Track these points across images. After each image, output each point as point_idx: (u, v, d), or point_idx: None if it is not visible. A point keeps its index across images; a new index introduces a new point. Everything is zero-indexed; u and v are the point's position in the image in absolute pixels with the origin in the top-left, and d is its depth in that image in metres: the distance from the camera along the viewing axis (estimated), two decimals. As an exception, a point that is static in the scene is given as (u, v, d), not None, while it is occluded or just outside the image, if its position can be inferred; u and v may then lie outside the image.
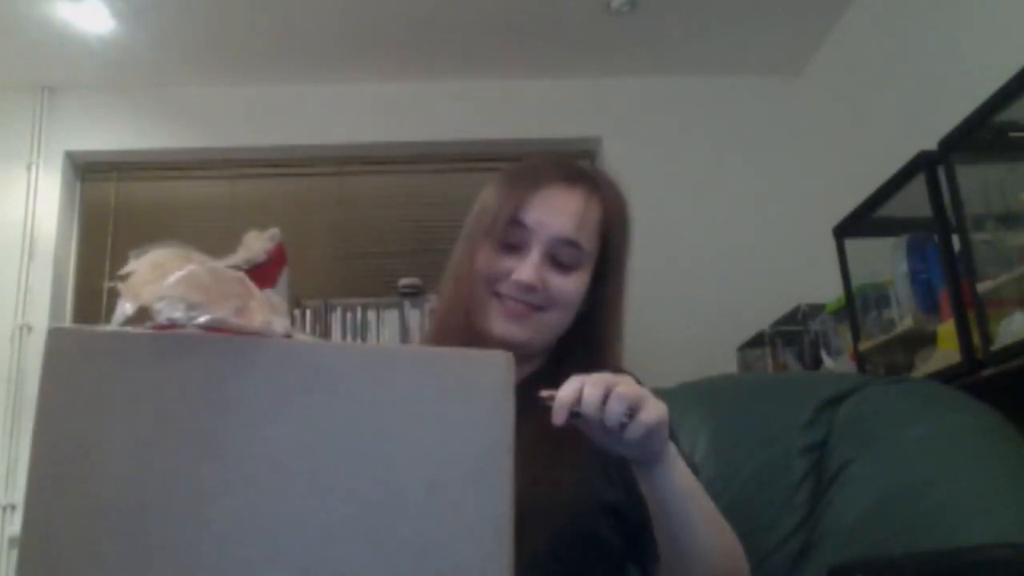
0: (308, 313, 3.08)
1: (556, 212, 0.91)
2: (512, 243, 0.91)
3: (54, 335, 0.56)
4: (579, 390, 0.68)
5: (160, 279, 0.55)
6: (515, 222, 0.90)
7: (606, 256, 0.97)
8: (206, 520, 0.53)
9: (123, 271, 0.57)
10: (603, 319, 0.97)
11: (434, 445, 0.56)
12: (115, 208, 3.38)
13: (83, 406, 0.55)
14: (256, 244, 0.61)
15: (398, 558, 0.54)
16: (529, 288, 0.89)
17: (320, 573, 0.53)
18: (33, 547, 0.54)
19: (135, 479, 0.53)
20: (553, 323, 0.93)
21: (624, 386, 0.69)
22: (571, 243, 0.92)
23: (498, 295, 0.90)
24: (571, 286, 0.92)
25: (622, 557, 0.91)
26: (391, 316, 3.15)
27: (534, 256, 0.90)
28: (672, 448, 0.76)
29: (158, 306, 0.54)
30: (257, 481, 0.54)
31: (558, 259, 0.91)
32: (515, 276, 0.89)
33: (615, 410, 0.68)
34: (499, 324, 0.90)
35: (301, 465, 0.54)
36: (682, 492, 0.76)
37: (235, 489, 0.54)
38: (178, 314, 0.53)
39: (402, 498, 0.55)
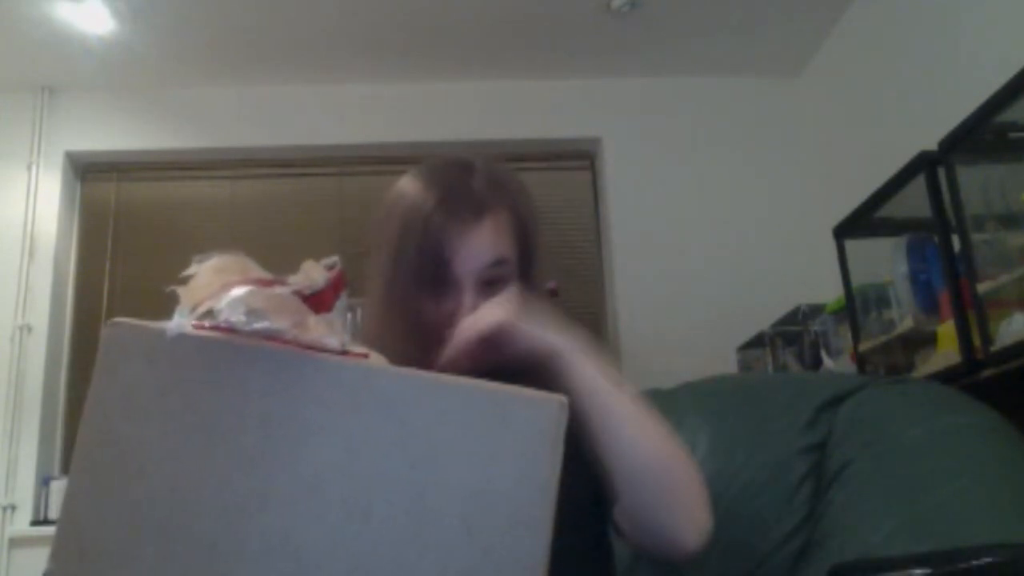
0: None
1: (477, 246, 0.92)
2: (443, 285, 0.92)
3: (113, 328, 0.56)
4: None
5: (221, 287, 0.55)
6: (442, 268, 0.91)
7: (526, 253, 0.97)
8: (240, 535, 0.53)
9: (184, 274, 0.57)
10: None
11: (477, 485, 0.54)
12: (115, 208, 3.39)
13: (131, 402, 0.55)
14: (315, 272, 0.61)
15: None
16: None
17: None
18: (66, 535, 0.53)
19: (174, 485, 0.53)
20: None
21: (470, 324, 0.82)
22: (498, 263, 0.92)
23: (445, 337, 0.89)
24: None
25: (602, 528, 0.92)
26: (391, 316, 3.15)
27: (469, 295, 0.90)
28: (575, 353, 0.81)
29: (219, 306, 0.54)
30: (293, 501, 0.53)
31: (491, 281, 0.92)
32: (459, 319, 0.88)
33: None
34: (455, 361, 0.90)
35: (339, 488, 0.54)
36: (591, 389, 0.78)
37: (270, 506, 0.53)
38: (238, 318, 0.53)
39: (437, 534, 0.53)
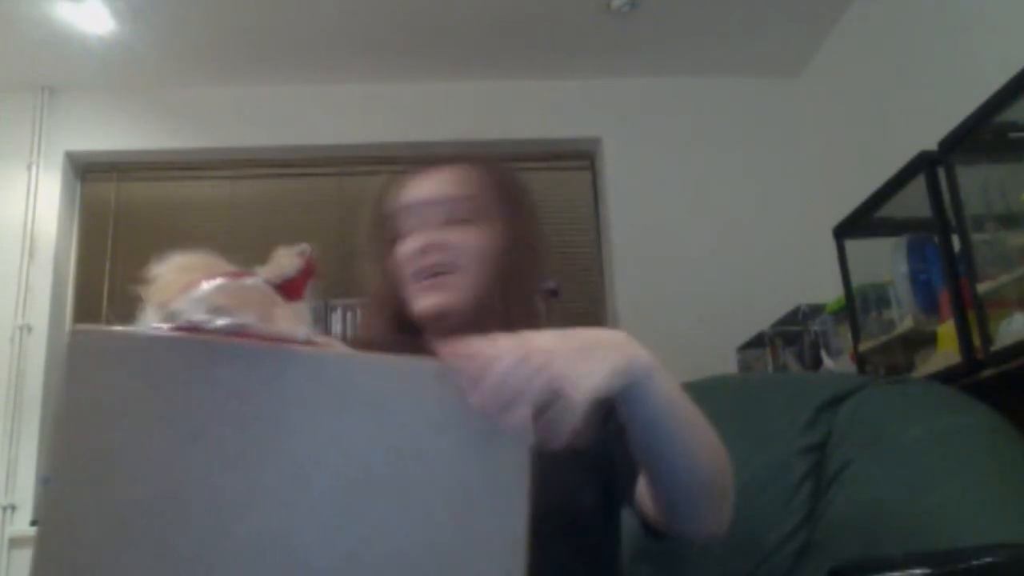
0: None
1: (430, 184, 0.97)
2: (408, 230, 0.96)
3: (78, 335, 0.55)
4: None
5: (187, 285, 0.54)
6: (400, 210, 0.97)
7: (506, 217, 0.99)
8: (228, 533, 0.52)
9: (148, 275, 0.57)
10: (514, 277, 0.97)
11: (455, 463, 0.56)
12: (115, 208, 3.39)
13: (107, 409, 0.54)
14: (286, 260, 0.62)
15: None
16: (425, 249, 0.93)
17: None
18: (49, 550, 0.53)
19: (157, 487, 0.53)
20: (467, 282, 0.94)
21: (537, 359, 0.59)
22: (455, 199, 0.96)
23: (418, 274, 0.94)
24: (471, 238, 0.95)
25: (606, 524, 0.92)
26: (391, 316, 3.15)
27: (425, 225, 0.95)
28: (646, 375, 0.70)
29: (181, 307, 0.53)
30: (280, 495, 0.53)
31: (452, 216, 0.95)
32: (417, 244, 0.93)
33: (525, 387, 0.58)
34: (418, 301, 0.93)
35: (324, 480, 0.54)
36: (659, 416, 0.73)
37: (258, 502, 0.53)
38: (200, 316, 0.53)
39: (424, 518, 0.55)
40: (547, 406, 0.58)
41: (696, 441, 0.76)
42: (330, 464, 0.54)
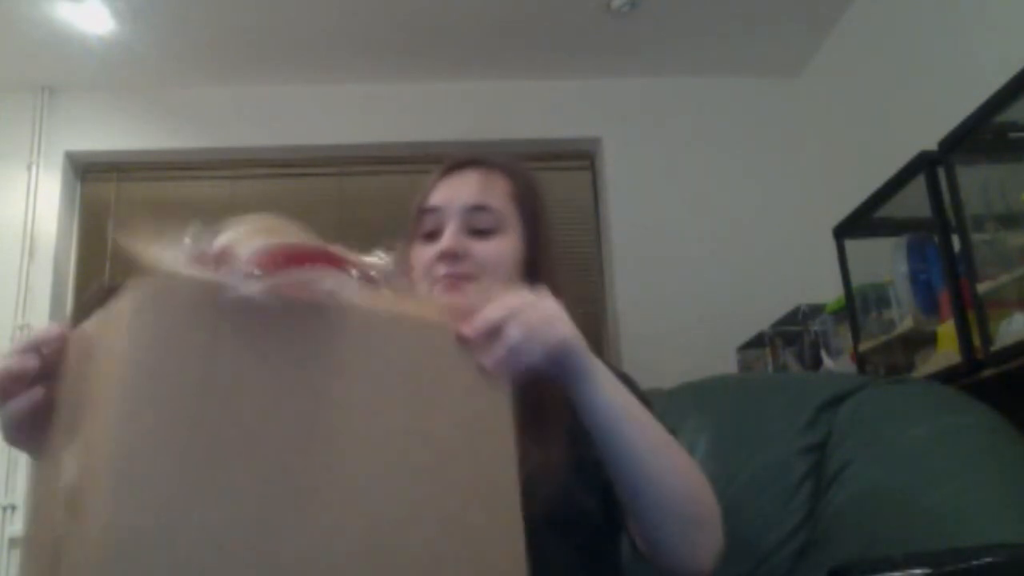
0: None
1: (458, 187, 0.99)
2: (431, 231, 0.98)
3: (147, 282, 0.57)
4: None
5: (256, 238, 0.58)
6: (425, 210, 0.99)
7: (528, 224, 1.01)
8: (284, 481, 0.53)
9: (226, 235, 0.61)
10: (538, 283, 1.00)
11: (460, 405, 0.64)
12: (115, 208, 3.39)
13: (169, 357, 0.54)
14: (388, 259, 0.71)
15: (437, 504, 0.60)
16: (451, 254, 0.94)
17: (393, 543, 0.56)
18: (130, 487, 0.50)
19: (215, 433, 0.53)
20: (489, 290, 0.95)
21: (529, 312, 0.72)
22: (480, 207, 0.97)
23: (436, 281, 0.95)
24: (493, 249, 0.96)
25: (606, 527, 0.92)
26: (391, 316, 3.15)
27: (450, 228, 0.96)
28: (599, 370, 0.76)
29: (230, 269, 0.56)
30: (332, 443, 0.56)
31: (475, 226, 0.97)
32: (438, 249, 0.95)
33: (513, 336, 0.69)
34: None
35: (370, 428, 0.58)
36: (613, 411, 0.76)
37: (311, 451, 0.55)
38: (242, 277, 0.55)
39: (446, 456, 0.61)
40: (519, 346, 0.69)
41: (657, 457, 0.77)
42: (375, 413, 0.59)
